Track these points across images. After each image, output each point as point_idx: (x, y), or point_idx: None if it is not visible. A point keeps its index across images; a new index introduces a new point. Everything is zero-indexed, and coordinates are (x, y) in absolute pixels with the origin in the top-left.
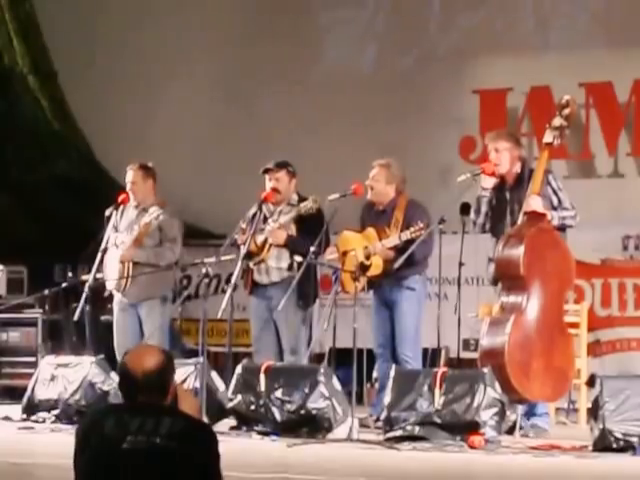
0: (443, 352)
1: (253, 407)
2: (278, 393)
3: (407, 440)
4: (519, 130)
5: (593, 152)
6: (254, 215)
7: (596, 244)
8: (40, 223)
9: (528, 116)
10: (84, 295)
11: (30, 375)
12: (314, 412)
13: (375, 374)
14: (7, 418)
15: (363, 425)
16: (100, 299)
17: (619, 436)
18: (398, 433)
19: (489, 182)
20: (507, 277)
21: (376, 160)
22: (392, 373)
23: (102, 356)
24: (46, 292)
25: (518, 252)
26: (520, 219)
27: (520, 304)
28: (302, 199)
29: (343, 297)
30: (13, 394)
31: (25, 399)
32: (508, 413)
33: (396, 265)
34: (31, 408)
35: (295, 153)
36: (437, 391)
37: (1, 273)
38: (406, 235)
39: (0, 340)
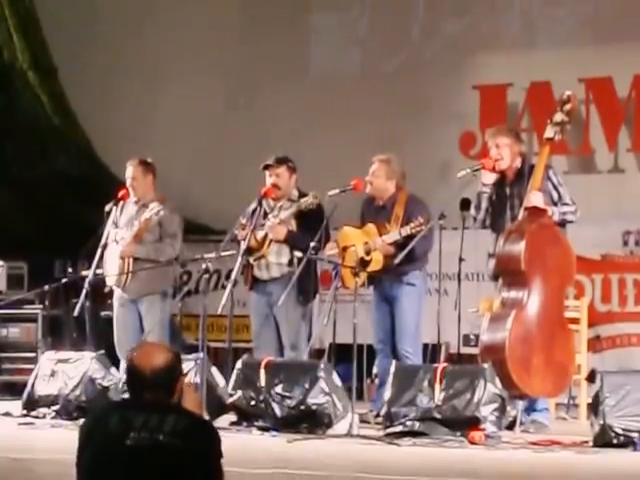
0: (443, 348)
1: (253, 403)
2: (278, 389)
3: (407, 436)
4: (519, 125)
5: (593, 147)
6: (254, 211)
7: (596, 239)
8: (40, 219)
9: (528, 111)
10: (84, 291)
11: (30, 371)
12: (314, 408)
13: (375, 370)
14: (7, 414)
15: (363, 421)
16: (100, 295)
17: (619, 432)
18: (398, 429)
19: (489, 178)
20: (508, 273)
21: (376, 155)
22: (392, 369)
23: (102, 352)
24: (46, 288)
25: (519, 248)
26: (521, 215)
27: (521, 300)
28: (302, 195)
29: (343, 293)
30: (13, 390)
31: (25, 395)
32: (508, 409)
33: (396, 261)
34: (31, 404)
35: (295, 149)
36: (437, 387)
37: (1, 269)
38: (406, 230)
39: (0, 336)
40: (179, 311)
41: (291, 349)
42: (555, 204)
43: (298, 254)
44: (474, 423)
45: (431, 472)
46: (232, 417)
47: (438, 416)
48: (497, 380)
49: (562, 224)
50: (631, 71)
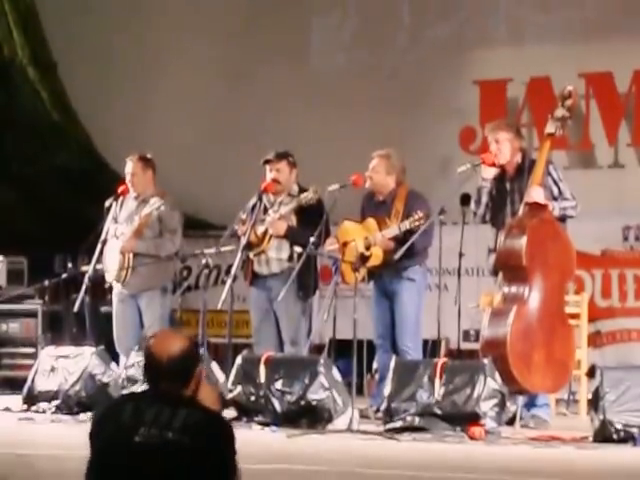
0: (443, 343)
1: (253, 398)
2: (278, 384)
3: (407, 431)
4: (519, 120)
5: (593, 142)
6: (254, 206)
7: (596, 235)
8: (40, 214)
9: (528, 106)
10: (84, 286)
11: (30, 366)
12: (314, 403)
13: (375, 365)
14: (7, 409)
15: (363, 416)
16: (100, 290)
17: (619, 427)
18: (398, 424)
19: (489, 173)
20: (509, 268)
21: (376, 151)
22: (392, 364)
23: (102, 347)
24: (46, 283)
25: (520, 243)
26: (521, 210)
27: (522, 295)
28: (302, 190)
29: (343, 288)
30: (13, 385)
31: (25, 390)
32: (508, 404)
33: (396, 256)
34: (31, 399)
35: (295, 144)
36: (437, 382)
37: (1, 264)
38: (405, 225)
39: (0, 331)
40: (179, 306)
41: (291, 344)
42: (555, 199)
43: (298, 249)
44: (474, 418)
45: (431, 467)
46: (232, 412)
47: (438, 411)
48: (497, 376)
49: (562, 219)
50: (631, 66)
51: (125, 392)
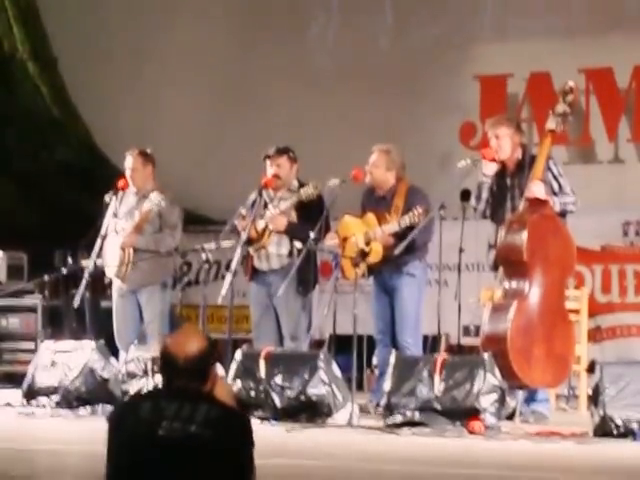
0: (443, 338)
1: (253, 393)
2: (278, 379)
3: (407, 426)
4: (519, 116)
5: (593, 138)
6: (254, 201)
7: (596, 230)
8: (40, 209)
9: (528, 102)
10: (84, 281)
11: (30, 361)
12: (314, 398)
13: (375, 360)
14: (8, 404)
15: (363, 411)
16: (100, 285)
17: (619, 422)
18: (398, 419)
19: (490, 168)
20: (509, 263)
21: (376, 145)
22: (392, 359)
23: (102, 342)
24: (46, 278)
25: (521, 238)
26: (521, 205)
27: (522, 290)
28: (302, 185)
29: (343, 283)
30: (13, 380)
31: (25, 385)
32: (508, 399)
33: (397, 251)
34: (31, 394)
35: (295, 139)
36: (437, 377)
37: (1, 259)
38: (404, 221)
39: (0, 326)
40: (179, 302)
41: (291, 340)
42: (555, 194)
43: (298, 245)
44: (473, 414)
45: (430, 462)
46: None
47: (438, 406)
48: (497, 371)
49: (562, 215)
50: (631, 62)
51: (126, 387)
